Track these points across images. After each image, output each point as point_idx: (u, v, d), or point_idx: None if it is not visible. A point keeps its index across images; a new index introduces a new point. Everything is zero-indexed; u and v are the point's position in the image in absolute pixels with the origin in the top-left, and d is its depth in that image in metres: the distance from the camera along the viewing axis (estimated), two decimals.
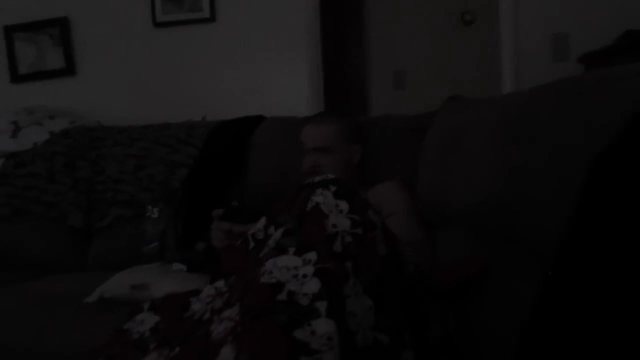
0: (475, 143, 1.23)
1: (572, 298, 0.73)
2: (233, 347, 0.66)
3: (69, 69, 2.80)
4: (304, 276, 0.72)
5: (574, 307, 0.69)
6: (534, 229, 0.97)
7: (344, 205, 0.86)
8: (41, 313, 1.53)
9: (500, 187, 1.07)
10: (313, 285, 0.71)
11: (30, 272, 1.99)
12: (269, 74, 2.65)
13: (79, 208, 2.18)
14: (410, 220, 1.44)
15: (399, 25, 3.96)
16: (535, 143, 0.97)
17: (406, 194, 1.54)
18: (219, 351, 0.69)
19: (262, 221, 0.95)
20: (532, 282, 0.89)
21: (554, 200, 0.90)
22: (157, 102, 2.64)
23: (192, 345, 0.77)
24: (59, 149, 2.32)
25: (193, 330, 0.83)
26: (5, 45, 2.82)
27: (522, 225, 1.01)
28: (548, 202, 0.90)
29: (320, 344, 0.66)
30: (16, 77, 2.82)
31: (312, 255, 0.75)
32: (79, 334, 1.37)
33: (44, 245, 2.15)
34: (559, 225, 0.81)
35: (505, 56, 2.69)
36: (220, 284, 0.94)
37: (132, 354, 0.89)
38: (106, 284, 1.55)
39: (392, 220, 1.19)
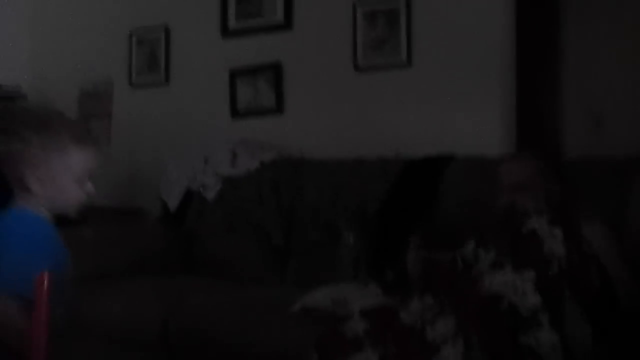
0: None
1: None
2: (455, 345, 0.72)
3: (278, 108, 3.15)
4: (524, 292, 0.76)
5: None
6: None
7: (558, 233, 0.88)
8: (255, 314, 1.75)
9: None
10: (534, 299, 0.75)
11: (239, 281, 2.27)
12: (461, 114, 2.69)
13: (282, 229, 2.43)
14: (615, 259, 1.38)
15: (599, 65, 3.74)
16: None
17: (613, 237, 1.47)
18: (438, 350, 0.76)
19: (471, 244, 1.01)
20: None
21: None
22: (354, 139, 2.83)
23: (408, 346, 0.85)
24: (267, 176, 2.62)
25: (406, 334, 0.91)
26: (229, 86, 3.27)
27: None
28: None
29: (546, 352, 0.69)
30: (236, 113, 3.25)
31: (530, 274, 0.79)
32: (289, 336, 1.55)
33: (250, 260, 2.43)
34: None
35: None
36: (428, 299, 1.01)
37: (346, 349, 1.00)
38: (308, 297, 1.71)
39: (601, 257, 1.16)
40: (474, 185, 1.97)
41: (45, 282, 0.81)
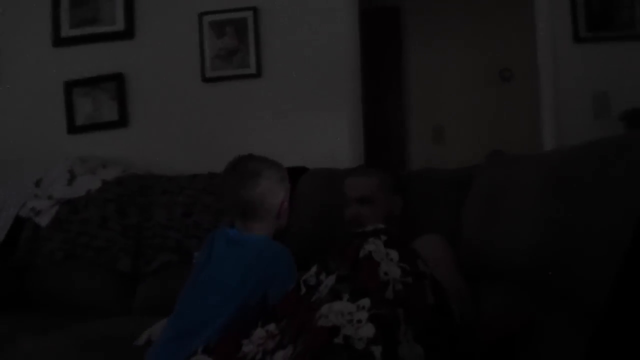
0: (520, 198, 1.25)
1: (619, 354, 0.73)
2: None
3: (122, 121, 2.95)
4: (359, 321, 0.75)
5: None
6: (581, 284, 0.98)
7: (394, 254, 0.89)
8: (92, 355, 1.58)
9: (546, 242, 1.09)
10: (368, 330, 0.74)
11: (79, 315, 2.06)
12: (310, 127, 2.73)
13: (128, 253, 2.26)
14: (453, 272, 1.45)
15: (439, 81, 4.05)
16: (583, 201, 0.99)
17: (448, 246, 1.56)
18: None
19: (314, 268, 0.99)
20: (579, 337, 0.90)
21: (600, 256, 0.92)
22: (204, 153, 2.74)
23: None
24: (111, 196, 2.43)
25: None
26: (65, 99, 2.99)
27: (569, 281, 1.02)
28: (595, 258, 0.92)
29: None
30: (73, 128, 2.98)
31: (365, 302, 0.78)
32: None
33: (93, 289, 2.23)
34: (606, 282, 0.82)
35: (545, 113, 2.71)
36: (272, 327, 0.97)
37: None
38: (154, 327, 1.59)
39: (435, 272, 1.21)
40: (326, 199, 1.98)
41: None
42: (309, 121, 2.73)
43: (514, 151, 1.67)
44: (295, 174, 2.23)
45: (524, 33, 3.18)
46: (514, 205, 1.25)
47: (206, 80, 2.88)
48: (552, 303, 1.11)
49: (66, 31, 3.02)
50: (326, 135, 2.71)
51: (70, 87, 3.00)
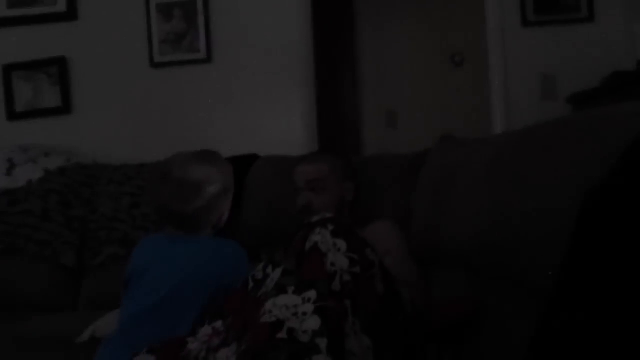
0: (468, 182, 1.25)
1: (570, 334, 0.73)
2: None
3: (65, 108, 2.82)
4: (304, 314, 0.72)
5: (572, 343, 0.70)
6: (527, 266, 0.98)
7: (342, 244, 0.87)
8: (30, 356, 1.51)
9: (493, 226, 1.09)
10: (313, 323, 0.71)
11: (21, 312, 1.97)
12: (263, 113, 2.69)
13: (72, 247, 2.16)
14: (404, 259, 1.45)
15: (392, 66, 4.06)
16: (528, 183, 1.00)
17: (400, 233, 1.55)
18: None
19: (263, 260, 0.96)
20: (527, 320, 0.90)
21: (547, 238, 0.92)
22: (153, 141, 2.65)
23: None
24: (54, 187, 2.32)
25: None
26: (3, 84, 2.84)
27: (515, 263, 1.02)
28: (541, 240, 0.92)
29: None
30: (13, 115, 2.84)
31: (311, 294, 0.75)
32: None
33: (36, 285, 2.12)
34: (553, 264, 0.83)
35: (495, 96, 2.75)
36: (218, 324, 0.94)
37: None
38: (98, 323, 1.53)
39: (387, 260, 1.20)
40: (278, 188, 1.94)
41: None
42: (261, 107, 2.68)
43: (466, 136, 1.67)
44: (247, 162, 2.18)
45: (475, 18, 3.21)
46: (463, 189, 1.25)
47: (154, 65, 2.79)
48: (501, 287, 1.12)
49: (3, 11, 2.86)
50: (279, 122, 2.67)
51: (9, 70, 2.85)
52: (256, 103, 2.69)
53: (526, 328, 0.87)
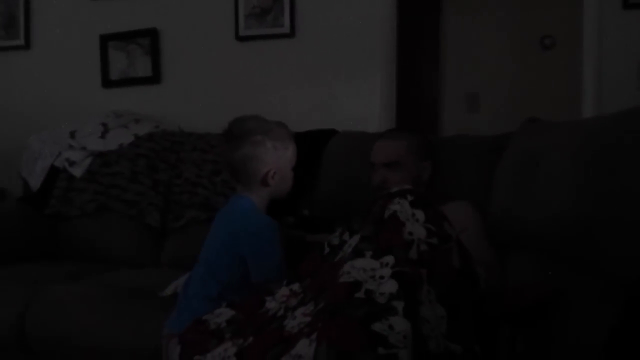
0: (553, 167, 1.21)
1: None
2: (310, 339, 0.69)
3: (155, 77, 2.96)
4: (381, 277, 0.74)
5: None
6: (618, 261, 0.94)
7: (420, 215, 0.87)
8: (117, 304, 1.63)
9: (580, 214, 1.04)
10: (391, 286, 0.73)
11: (110, 265, 2.12)
12: (343, 89, 2.69)
13: (157, 208, 2.29)
14: (480, 239, 1.43)
15: (477, 47, 3.93)
16: (625, 172, 0.94)
17: (477, 214, 1.53)
18: (296, 343, 0.72)
19: (339, 228, 0.99)
20: (605, 316, 0.87)
21: None
22: (236, 111, 2.72)
23: (265, 336, 0.81)
24: (142, 151, 2.46)
25: (267, 324, 0.87)
26: (100, 53, 3.01)
27: (604, 252, 0.98)
28: (634, 226, 0.88)
29: (397, 339, 0.68)
30: (107, 82, 3.01)
31: (389, 259, 0.77)
32: (152, 324, 1.45)
33: (122, 241, 2.28)
34: None
35: (586, 84, 2.60)
36: (295, 286, 0.98)
37: (208, 341, 0.94)
38: (181, 279, 1.62)
39: (463, 238, 1.19)
40: (354, 162, 1.96)
41: None
42: (341, 84, 2.69)
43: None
44: (325, 136, 2.21)
45: None
46: (547, 173, 1.21)
47: (239, 38, 2.86)
48: (580, 277, 1.08)
49: None
50: (358, 99, 2.67)
51: (105, 40, 3.02)
52: (336, 79, 2.70)
53: (603, 324, 0.84)
